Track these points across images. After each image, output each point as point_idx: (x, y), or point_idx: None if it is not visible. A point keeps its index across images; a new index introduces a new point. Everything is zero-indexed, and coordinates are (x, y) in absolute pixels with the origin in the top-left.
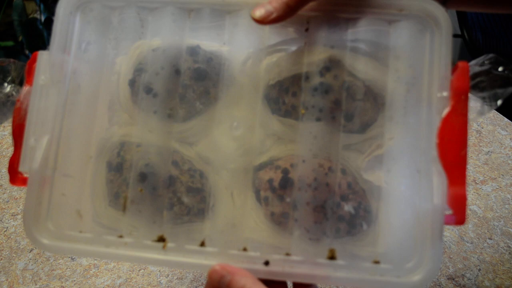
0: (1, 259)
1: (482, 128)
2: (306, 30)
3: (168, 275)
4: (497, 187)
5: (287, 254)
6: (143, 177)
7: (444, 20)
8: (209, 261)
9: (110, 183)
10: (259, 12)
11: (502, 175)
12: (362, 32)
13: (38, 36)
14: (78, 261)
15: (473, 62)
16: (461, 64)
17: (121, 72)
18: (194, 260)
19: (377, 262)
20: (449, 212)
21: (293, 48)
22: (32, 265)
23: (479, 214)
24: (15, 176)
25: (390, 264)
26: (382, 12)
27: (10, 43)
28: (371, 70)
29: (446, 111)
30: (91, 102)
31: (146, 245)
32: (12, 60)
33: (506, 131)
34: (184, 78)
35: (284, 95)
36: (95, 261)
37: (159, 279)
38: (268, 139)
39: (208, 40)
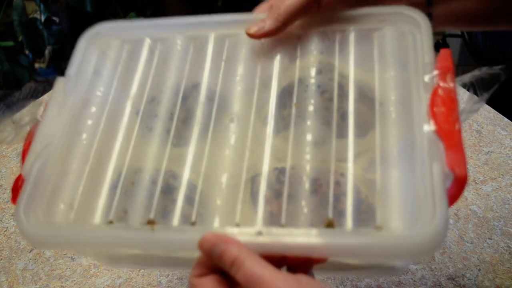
0: (1, 259)
1: (482, 128)
2: (298, 37)
3: (168, 275)
4: (497, 187)
5: (282, 226)
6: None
7: (422, 19)
8: (199, 235)
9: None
10: (253, 28)
11: (502, 175)
12: (349, 40)
13: (38, 36)
14: (78, 261)
15: (458, 78)
16: (443, 50)
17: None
18: (184, 236)
19: (379, 228)
20: (450, 175)
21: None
22: (32, 265)
23: (479, 214)
24: (17, 195)
25: (395, 228)
26: (365, 25)
27: (10, 43)
28: (361, 73)
29: (434, 87)
30: (96, 123)
31: (135, 227)
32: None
33: (506, 131)
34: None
35: (283, 111)
36: (95, 261)
37: (159, 279)
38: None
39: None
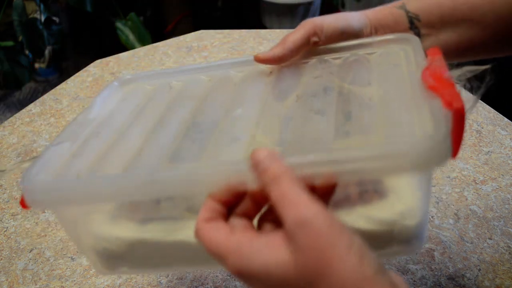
0: (1, 259)
1: (482, 128)
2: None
3: (168, 275)
4: (497, 187)
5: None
6: None
7: (410, 36)
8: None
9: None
10: (262, 55)
11: (502, 175)
12: (347, 63)
13: (38, 36)
14: (78, 261)
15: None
16: (432, 48)
17: None
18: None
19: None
20: (446, 114)
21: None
22: (32, 265)
23: (479, 214)
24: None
25: (399, 135)
26: (361, 51)
27: (10, 43)
28: (360, 88)
29: (424, 67)
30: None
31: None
32: None
33: (506, 131)
34: None
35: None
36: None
37: (159, 279)
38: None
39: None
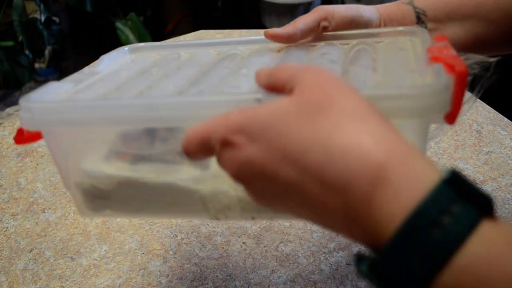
0: (1, 259)
1: (482, 128)
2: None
3: (168, 275)
4: (497, 187)
5: None
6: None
7: (417, 28)
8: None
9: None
10: (271, 31)
11: (502, 175)
12: (354, 50)
13: (38, 36)
14: (78, 261)
15: None
16: (439, 35)
17: None
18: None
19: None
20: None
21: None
22: (32, 265)
23: None
24: (19, 136)
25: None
26: (368, 39)
27: (10, 43)
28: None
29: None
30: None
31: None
32: None
33: (506, 131)
34: None
35: None
36: (95, 261)
37: (159, 279)
38: None
39: None
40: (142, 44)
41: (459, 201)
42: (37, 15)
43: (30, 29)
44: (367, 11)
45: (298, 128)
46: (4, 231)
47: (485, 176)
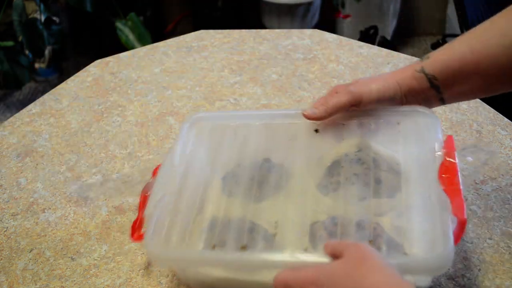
0: (1, 259)
1: (482, 128)
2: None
3: (168, 275)
4: (497, 187)
5: None
6: None
7: (431, 114)
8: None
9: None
10: (307, 111)
11: (502, 175)
12: (380, 128)
13: (38, 36)
14: (78, 261)
15: None
16: (448, 136)
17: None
18: (267, 255)
19: (406, 254)
20: (454, 220)
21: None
22: (32, 265)
23: (479, 214)
24: (134, 234)
25: (417, 254)
26: (391, 118)
27: (10, 43)
28: (388, 152)
29: (442, 161)
30: (197, 183)
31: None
32: None
33: (506, 131)
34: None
35: (331, 178)
36: (95, 261)
37: (159, 279)
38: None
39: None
40: (201, 115)
41: None
42: (37, 15)
43: (30, 29)
44: (391, 89)
45: (345, 279)
46: (4, 231)
47: (485, 176)
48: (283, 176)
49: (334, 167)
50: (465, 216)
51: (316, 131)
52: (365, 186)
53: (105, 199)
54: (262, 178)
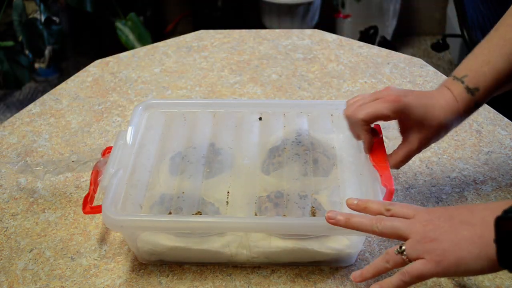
0: (1, 259)
1: (482, 128)
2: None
3: (168, 275)
4: (497, 187)
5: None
6: None
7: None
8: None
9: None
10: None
11: (502, 175)
12: (313, 118)
13: (38, 36)
14: (78, 261)
15: None
16: (375, 125)
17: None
18: (222, 219)
19: None
20: (383, 190)
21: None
22: (32, 265)
23: None
24: (85, 207)
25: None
26: (324, 111)
27: (10, 43)
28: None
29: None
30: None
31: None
32: None
33: (506, 131)
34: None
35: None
36: (95, 261)
37: (159, 279)
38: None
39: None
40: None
41: None
42: (37, 15)
43: (30, 29)
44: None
45: (459, 212)
46: (4, 231)
47: (485, 176)
48: (229, 158)
49: (276, 150)
50: (393, 187)
51: (260, 119)
52: (305, 164)
53: (52, 176)
54: (210, 160)
